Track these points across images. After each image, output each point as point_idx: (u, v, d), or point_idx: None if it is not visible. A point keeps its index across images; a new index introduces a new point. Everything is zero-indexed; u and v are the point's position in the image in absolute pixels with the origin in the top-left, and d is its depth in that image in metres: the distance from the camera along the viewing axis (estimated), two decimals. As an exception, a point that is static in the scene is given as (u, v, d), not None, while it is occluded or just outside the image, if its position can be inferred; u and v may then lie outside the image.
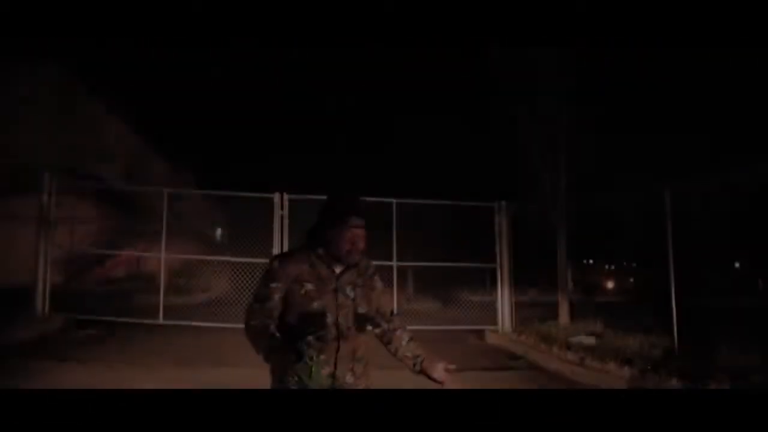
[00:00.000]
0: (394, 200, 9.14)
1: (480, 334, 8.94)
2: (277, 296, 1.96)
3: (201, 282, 12.36)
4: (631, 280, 33.56)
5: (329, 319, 1.93)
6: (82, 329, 7.83)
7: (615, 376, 5.46)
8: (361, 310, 2.02)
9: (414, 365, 2.08)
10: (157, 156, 26.02)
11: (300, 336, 1.89)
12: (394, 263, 8.99)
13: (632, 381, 5.21)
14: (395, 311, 2.22)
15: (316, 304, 1.93)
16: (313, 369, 1.75)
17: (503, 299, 9.06)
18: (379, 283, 2.15)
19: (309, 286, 1.94)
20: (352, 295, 2.00)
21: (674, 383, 4.84)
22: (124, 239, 18.64)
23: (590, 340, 7.10)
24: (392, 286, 8.90)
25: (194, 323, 8.39)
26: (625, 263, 36.84)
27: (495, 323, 9.01)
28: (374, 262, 2.22)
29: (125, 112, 22.60)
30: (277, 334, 1.89)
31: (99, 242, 18.43)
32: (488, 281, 12.42)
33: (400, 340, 2.14)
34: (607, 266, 36.30)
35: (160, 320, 8.36)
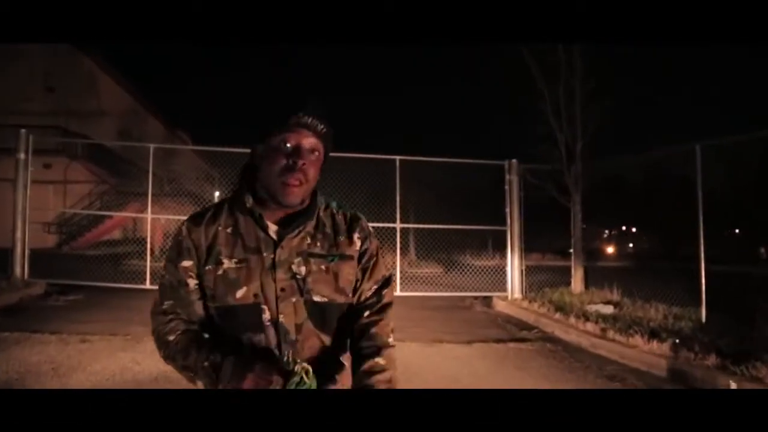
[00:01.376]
0: (397, 157, 8.55)
1: (487, 301, 8.47)
2: (193, 281, 1.21)
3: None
4: (631, 245, 33.48)
5: (266, 316, 1.16)
6: (63, 295, 7.37)
7: (641, 351, 4.96)
8: (319, 297, 1.19)
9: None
10: (152, 115, 25.23)
11: (227, 344, 1.15)
12: (398, 225, 8.44)
13: (663, 357, 4.71)
14: (382, 310, 1.25)
15: (241, 293, 1.16)
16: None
17: (513, 264, 8.55)
18: (357, 247, 1.25)
19: (228, 264, 1.17)
20: (302, 272, 1.18)
21: (713, 361, 4.34)
22: (116, 201, 18.12)
23: (608, 309, 6.64)
24: (393, 250, 8.38)
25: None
26: (624, 228, 36.67)
27: (503, 289, 8.53)
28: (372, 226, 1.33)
29: (117, 68, 21.69)
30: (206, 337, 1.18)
31: (89, 204, 17.92)
32: (491, 245, 11.95)
33: (361, 362, 1.18)
34: (607, 231, 35.97)
35: (147, 285, 7.88)
